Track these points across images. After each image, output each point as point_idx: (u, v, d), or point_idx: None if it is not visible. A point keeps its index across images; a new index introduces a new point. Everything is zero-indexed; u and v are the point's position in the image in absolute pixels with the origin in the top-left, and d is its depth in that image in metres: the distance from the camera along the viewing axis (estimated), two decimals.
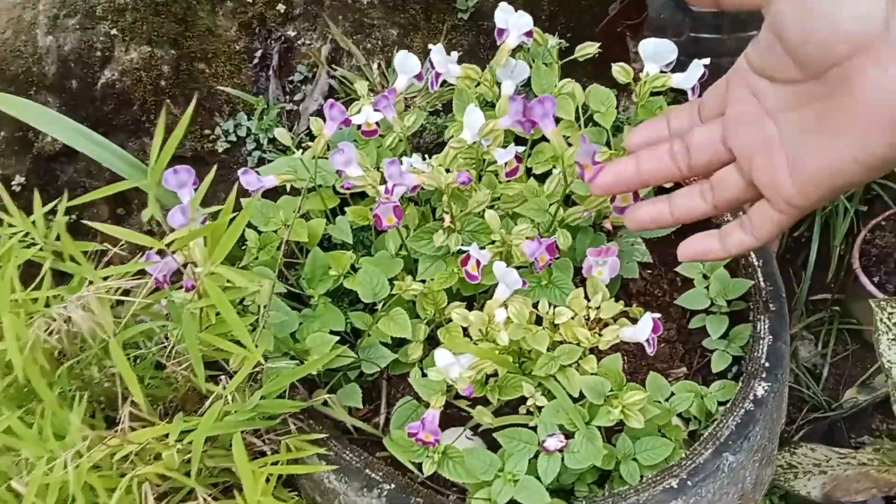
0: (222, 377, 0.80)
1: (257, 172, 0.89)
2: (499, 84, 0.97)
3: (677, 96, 1.02)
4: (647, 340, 0.76)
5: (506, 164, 0.85)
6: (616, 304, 0.82)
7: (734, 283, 0.88)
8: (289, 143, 0.92)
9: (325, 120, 0.93)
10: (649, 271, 1.00)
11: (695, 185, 0.69)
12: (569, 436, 0.78)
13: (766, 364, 0.81)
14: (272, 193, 0.94)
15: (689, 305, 0.90)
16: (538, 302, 0.83)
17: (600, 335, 0.78)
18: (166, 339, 0.87)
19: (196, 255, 0.76)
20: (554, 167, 0.95)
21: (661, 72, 0.89)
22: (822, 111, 0.59)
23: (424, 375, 0.86)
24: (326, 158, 0.97)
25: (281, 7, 1.31)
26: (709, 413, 0.84)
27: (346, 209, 0.95)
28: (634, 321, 0.83)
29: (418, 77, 0.98)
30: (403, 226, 0.91)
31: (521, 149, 0.85)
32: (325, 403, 0.86)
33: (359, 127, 0.94)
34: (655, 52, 0.91)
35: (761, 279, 0.88)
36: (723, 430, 0.78)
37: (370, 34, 1.34)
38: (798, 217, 0.65)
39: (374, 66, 1.29)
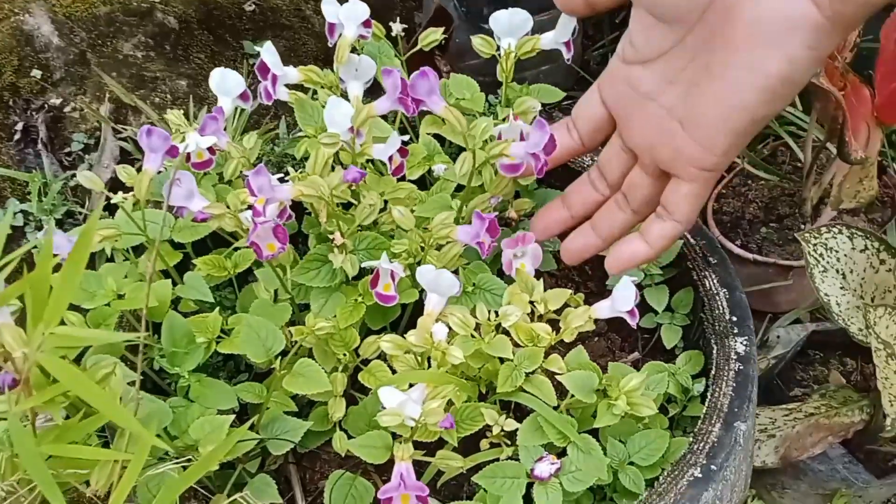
0: None
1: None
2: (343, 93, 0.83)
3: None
4: (632, 310, 0.63)
5: (390, 160, 0.70)
6: (562, 290, 0.69)
7: None
8: (99, 186, 0.70)
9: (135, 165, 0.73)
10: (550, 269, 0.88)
11: (610, 201, 0.70)
12: (558, 454, 0.63)
13: (734, 318, 0.72)
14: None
15: None
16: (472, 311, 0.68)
17: (561, 327, 0.65)
18: None
19: (7, 339, 0.52)
20: (431, 168, 0.82)
21: None
22: (706, 60, 0.58)
23: (349, 437, 0.67)
24: (153, 207, 0.77)
25: (36, 73, 1.08)
26: (685, 390, 0.73)
27: (192, 263, 0.74)
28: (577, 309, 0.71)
29: (244, 98, 0.80)
30: (277, 265, 0.72)
31: (405, 137, 0.71)
32: None
33: (187, 159, 0.74)
34: (510, 23, 0.82)
35: (689, 236, 0.79)
36: (721, 400, 0.67)
37: (155, 88, 1.14)
38: (712, 181, 0.63)
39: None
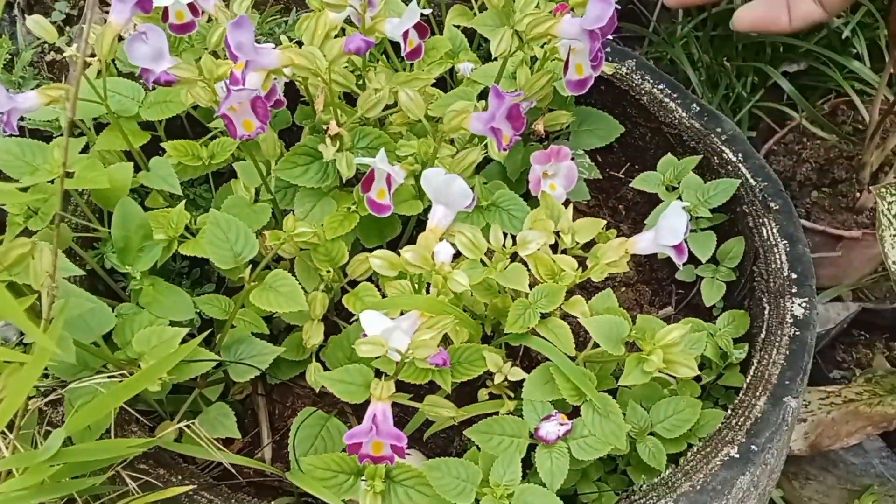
0: None
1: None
2: None
3: None
4: (679, 246, 0.52)
5: (405, 38, 0.58)
6: (593, 220, 0.57)
7: (716, 186, 0.67)
8: (52, 35, 0.58)
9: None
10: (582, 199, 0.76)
11: None
12: (569, 414, 0.53)
13: (793, 275, 0.61)
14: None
15: None
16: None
17: (588, 265, 0.53)
18: None
19: None
20: (455, 67, 0.70)
21: None
22: None
23: (326, 370, 0.57)
24: (121, 73, 0.65)
25: None
26: (724, 355, 0.62)
27: (163, 145, 0.63)
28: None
29: None
30: (262, 161, 0.61)
31: (427, 11, 0.59)
32: (178, 439, 0.54)
33: (164, 18, 0.62)
34: None
35: (748, 175, 0.67)
36: (770, 369, 0.56)
37: None
38: None
39: None
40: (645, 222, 0.69)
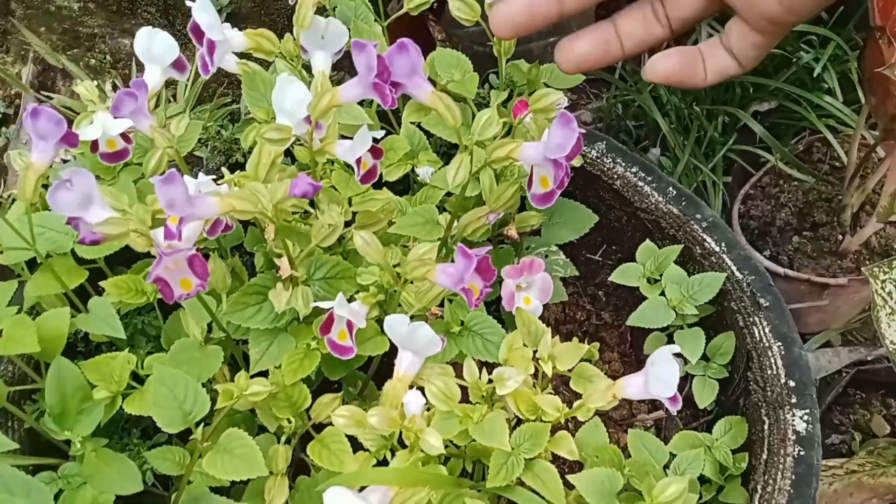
0: None
1: None
2: (307, 67, 0.65)
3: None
4: (674, 397, 0.47)
5: (358, 163, 0.53)
6: (576, 344, 0.53)
7: (700, 281, 0.63)
8: None
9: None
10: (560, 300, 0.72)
11: (643, 2, 0.49)
12: None
13: (790, 383, 0.57)
14: None
15: (649, 324, 0.63)
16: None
17: (572, 402, 0.49)
18: None
19: None
20: (415, 168, 0.65)
21: None
22: None
23: None
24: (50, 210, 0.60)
25: None
26: (722, 468, 0.58)
27: (101, 284, 0.58)
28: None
29: (178, 66, 0.63)
30: (209, 293, 0.56)
31: (380, 134, 0.54)
32: None
33: (94, 148, 0.57)
34: None
35: (733, 268, 0.63)
36: (777, 497, 0.51)
37: (92, 48, 0.96)
38: (781, 36, 0.49)
39: (108, 86, 0.92)
40: (628, 321, 0.64)
